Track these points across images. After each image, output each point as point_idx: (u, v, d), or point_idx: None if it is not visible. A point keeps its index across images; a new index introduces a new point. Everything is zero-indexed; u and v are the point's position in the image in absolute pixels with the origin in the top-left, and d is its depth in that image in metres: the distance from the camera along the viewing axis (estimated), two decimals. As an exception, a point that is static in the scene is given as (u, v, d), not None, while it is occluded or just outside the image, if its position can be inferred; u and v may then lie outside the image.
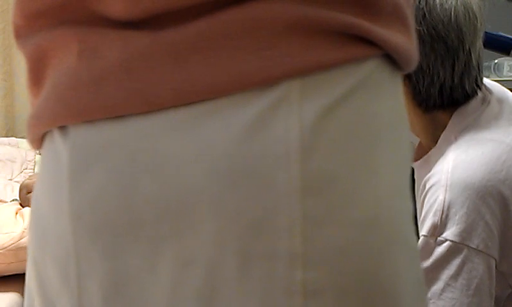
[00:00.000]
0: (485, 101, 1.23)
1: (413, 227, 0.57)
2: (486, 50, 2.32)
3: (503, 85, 2.21)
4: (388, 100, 0.55)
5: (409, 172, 0.58)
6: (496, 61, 2.24)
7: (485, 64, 2.28)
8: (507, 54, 2.24)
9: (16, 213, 1.86)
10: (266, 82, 0.49)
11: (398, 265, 0.53)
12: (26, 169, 2.48)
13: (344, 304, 0.50)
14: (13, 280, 1.81)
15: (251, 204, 0.49)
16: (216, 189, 0.49)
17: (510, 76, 2.23)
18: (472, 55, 1.20)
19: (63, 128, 0.54)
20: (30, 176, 2.34)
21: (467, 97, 1.22)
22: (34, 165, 2.51)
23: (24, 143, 2.61)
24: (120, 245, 0.52)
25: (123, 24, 0.52)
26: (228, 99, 0.49)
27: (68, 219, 0.53)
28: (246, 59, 0.49)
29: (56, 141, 0.55)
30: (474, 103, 1.22)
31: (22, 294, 1.80)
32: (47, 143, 0.57)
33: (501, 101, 1.24)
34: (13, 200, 2.06)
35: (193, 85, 0.49)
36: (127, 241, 0.51)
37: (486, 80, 1.28)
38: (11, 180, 2.42)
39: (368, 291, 0.50)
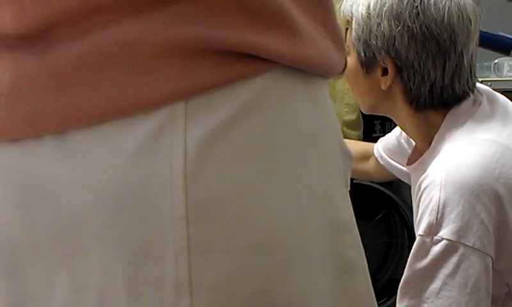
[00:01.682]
0: (476, 102, 1.24)
1: (343, 238, 0.56)
2: (486, 50, 2.32)
3: (503, 85, 2.22)
4: (298, 112, 0.53)
5: (335, 181, 0.57)
6: (496, 61, 2.25)
7: (485, 64, 2.29)
8: (507, 54, 2.24)
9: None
10: (147, 106, 0.48)
11: (302, 281, 0.52)
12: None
13: None
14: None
15: (137, 231, 0.48)
16: (103, 215, 0.49)
17: (510, 76, 2.24)
18: (464, 57, 1.21)
19: None
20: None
21: (458, 99, 1.23)
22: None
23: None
24: (20, 265, 0.52)
25: (16, 41, 0.51)
26: (113, 124, 0.48)
27: None
28: (126, 83, 0.48)
29: None
30: (466, 104, 1.23)
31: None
32: None
33: (492, 102, 1.25)
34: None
35: (75, 110, 0.49)
36: (26, 262, 0.52)
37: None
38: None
39: None
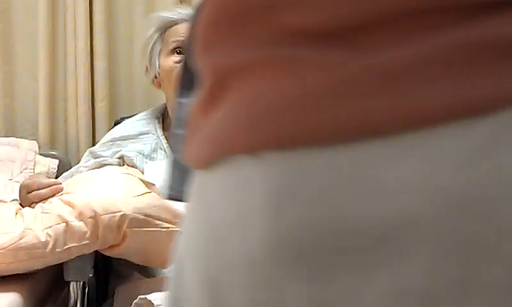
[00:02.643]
0: None
1: None
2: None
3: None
4: None
5: None
6: (495, 60, 2.24)
7: (485, 63, 2.28)
8: (507, 53, 2.23)
9: (16, 213, 1.86)
10: (487, 108, 0.48)
11: None
12: (26, 169, 2.48)
13: None
14: (13, 280, 1.81)
15: (473, 236, 0.48)
16: (435, 220, 0.48)
17: (509, 76, 2.23)
18: None
19: (253, 153, 0.52)
20: (30, 176, 2.35)
21: None
22: (34, 165, 2.51)
23: (24, 143, 2.61)
24: (327, 273, 0.50)
25: (324, 39, 0.50)
26: (449, 127, 0.48)
27: (262, 248, 0.52)
28: (468, 85, 0.48)
29: (244, 167, 0.53)
30: None
31: (22, 294, 1.80)
32: (229, 167, 0.54)
33: None
34: (13, 200, 2.06)
35: (416, 111, 0.48)
36: (335, 269, 0.50)
37: None
38: (11, 180, 2.42)
39: None
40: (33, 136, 2.71)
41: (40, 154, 2.58)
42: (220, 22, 0.54)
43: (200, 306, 0.58)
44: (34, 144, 2.62)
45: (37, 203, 1.89)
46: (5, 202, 2.10)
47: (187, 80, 0.78)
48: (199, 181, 0.59)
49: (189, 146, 0.59)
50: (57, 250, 1.78)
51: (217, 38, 0.55)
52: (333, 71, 0.49)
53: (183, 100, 0.78)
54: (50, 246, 1.76)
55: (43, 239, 1.76)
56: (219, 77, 0.55)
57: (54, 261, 1.82)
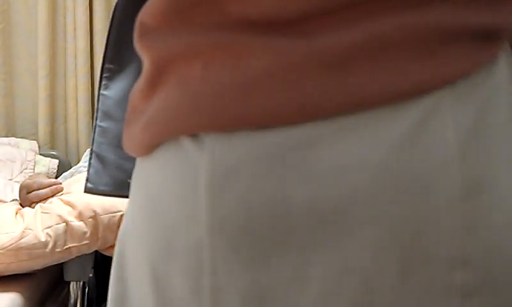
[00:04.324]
0: None
1: None
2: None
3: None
4: None
5: None
6: (495, 60, 2.24)
7: (484, 64, 2.28)
8: (507, 53, 2.23)
9: (16, 213, 1.86)
10: (422, 90, 0.49)
11: None
12: (26, 169, 2.48)
13: (495, 304, 0.51)
14: (13, 280, 1.81)
15: (414, 211, 0.49)
16: (375, 197, 0.49)
17: (509, 76, 2.23)
18: None
19: (194, 136, 0.53)
20: (30, 176, 2.34)
21: None
22: (34, 165, 2.51)
23: (24, 143, 2.61)
24: (267, 255, 0.51)
25: (267, 27, 0.50)
26: (384, 109, 0.49)
27: (205, 230, 0.52)
28: (404, 68, 0.49)
29: (187, 149, 0.53)
30: None
31: (22, 294, 1.80)
32: (170, 150, 0.55)
33: None
34: (13, 200, 2.06)
35: (353, 95, 0.49)
36: (273, 251, 0.50)
37: None
38: (11, 180, 2.42)
39: None
40: (33, 136, 2.71)
41: (40, 154, 2.58)
42: (167, 11, 0.54)
43: (143, 299, 0.58)
44: (34, 144, 2.62)
45: (37, 203, 1.89)
46: (5, 202, 2.10)
47: (108, 72, 0.78)
48: (139, 168, 0.59)
49: (130, 132, 0.59)
50: (57, 250, 1.78)
51: (163, 27, 0.55)
52: (276, 56, 0.50)
53: (105, 93, 0.78)
54: (50, 246, 1.77)
55: (43, 239, 1.76)
56: (162, 63, 0.56)
57: (54, 261, 1.83)
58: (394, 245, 0.49)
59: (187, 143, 0.53)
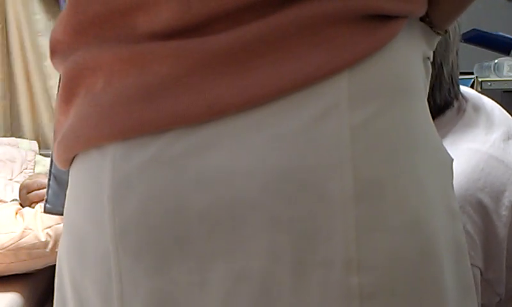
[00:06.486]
0: (460, 110, 1.24)
1: (457, 224, 0.58)
2: (486, 50, 2.31)
3: (503, 85, 2.21)
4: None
5: (448, 173, 0.59)
6: (496, 61, 2.24)
7: (485, 64, 2.28)
8: (507, 54, 2.24)
9: (16, 213, 1.85)
10: (321, 77, 0.49)
11: (442, 263, 0.54)
12: (26, 169, 2.48)
13: (395, 305, 0.51)
14: (13, 280, 1.81)
15: (306, 214, 0.49)
16: (269, 201, 0.49)
17: (510, 76, 2.23)
18: (444, 69, 1.20)
19: (100, 147, 0.54)
20: (30, 176, 2.34)
21: (440, 109, 1.22)
22: (34, 165, 2.51)
23: (24, 143, 2.61)
24: (166, 262, 0.51)
25: (169, 36, 0.51)
26: (284, 102, 0.49)
27: (110, 239, 0.53)
28: (304, 55, 0.50)
29: (94, 160, 0.54)
30: (450, 113, 1.22)
31: (22, 294, 1.80)
32: (81, 162, 0.56)
33: (477, 109, 1.24)
34: (13, 200, 2.06)
35: (251, 91, 0.49)
36: (173, 258, 0.51)
37: (462, 88, 1.28)
38: (11, 180, 2.42)
39: (416, 291, 0.52)
40: (33, 136, 2.71)
41: (40, 154, 2.58)
42: (78, 27, 0.56)
43: None
44: (34, 144, 2.62)
45: (37, 203, 1.89)
46: (5, 202, 2.10)
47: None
48: (69, 180, 0.60)
49: (55, 146, 0.60)
50: (57, 250, 1.77)
51: (74, 42, 0.56)
52: (177, 60, 0.51)
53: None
54: (50, 246, 1.77)
55: (43, 239, 1.76)
56: (74, 77, 0.57)
57: (54, 261, 1.81)
58: (289, 249, 0.49)
59: (94, 154, 0.54)
